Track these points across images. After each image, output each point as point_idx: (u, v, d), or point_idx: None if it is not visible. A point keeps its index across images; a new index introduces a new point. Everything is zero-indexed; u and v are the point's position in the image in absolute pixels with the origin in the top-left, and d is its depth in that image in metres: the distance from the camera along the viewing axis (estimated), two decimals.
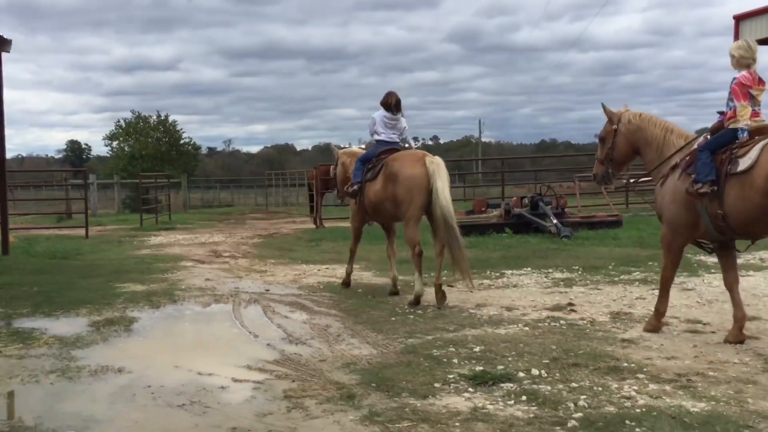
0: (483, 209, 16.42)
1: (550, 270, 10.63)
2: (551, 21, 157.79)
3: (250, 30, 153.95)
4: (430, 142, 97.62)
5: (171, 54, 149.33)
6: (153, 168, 35.63)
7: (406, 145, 9.41)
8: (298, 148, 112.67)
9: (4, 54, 13.29)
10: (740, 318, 6.22)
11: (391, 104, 9.25)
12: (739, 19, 21.23)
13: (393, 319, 7.55)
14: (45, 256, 13.86)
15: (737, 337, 6.17)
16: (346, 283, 9.72)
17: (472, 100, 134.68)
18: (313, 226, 21.17)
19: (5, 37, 12.95)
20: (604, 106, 7.18)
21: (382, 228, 10.08)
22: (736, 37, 20.79)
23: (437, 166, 8.44)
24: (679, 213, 6.32)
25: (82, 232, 19.85)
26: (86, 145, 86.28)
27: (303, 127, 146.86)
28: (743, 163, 5.82)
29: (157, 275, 11.22)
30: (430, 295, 8.57)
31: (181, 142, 38.18)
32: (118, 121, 37.70)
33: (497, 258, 11.98)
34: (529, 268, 10.85)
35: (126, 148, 36.71)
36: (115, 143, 37.50)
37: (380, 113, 9.33)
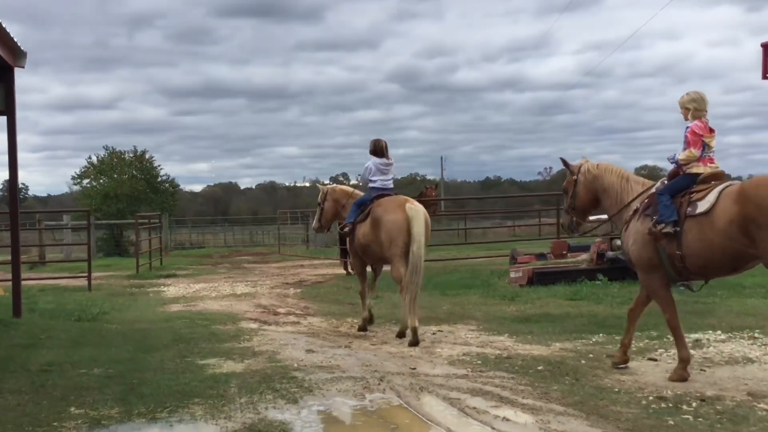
0: (563, 252, 14.47)
1: (743, 332, 8.59)
2: (488, 62, 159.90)
3: (191, 69, 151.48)
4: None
5: (111, 93, 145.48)
6: (128, 208, 32.80)
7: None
8: (242, 187, 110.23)
9: (17, 69, 10.87)
10: (625, 344, 6.99)
11: (382, 149, 9.67)
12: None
13: (651, 421, 5.44)
14: (64, 317, 11.32)
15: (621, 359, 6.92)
16: (362, 328, 9.78)
17: (413, 139, 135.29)
18: (344, 271, 18.91)
19: (21, 48, 10.56)
20: (563, 160, 7.55)
21: (370, 268, 10.31)
22: (765, 65, 19.75)
23: (416, 212, 8.97)
24: (642, 253, 6.56)
25: (76, 282, 17.28)
26: (23, 184, 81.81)
27: (245, 165, 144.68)
28: (701, 206, 6.07)
29: (233, 344, 8.89)
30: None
31: (159, 179, 35.33)
32: (89, 158, 34.68)
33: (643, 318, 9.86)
34: (718, 331, 8.69)
35: (98, 187, 33.66)
36: (85, 182, 34.40)
37: (374, 161, 9.65)
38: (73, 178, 34.42)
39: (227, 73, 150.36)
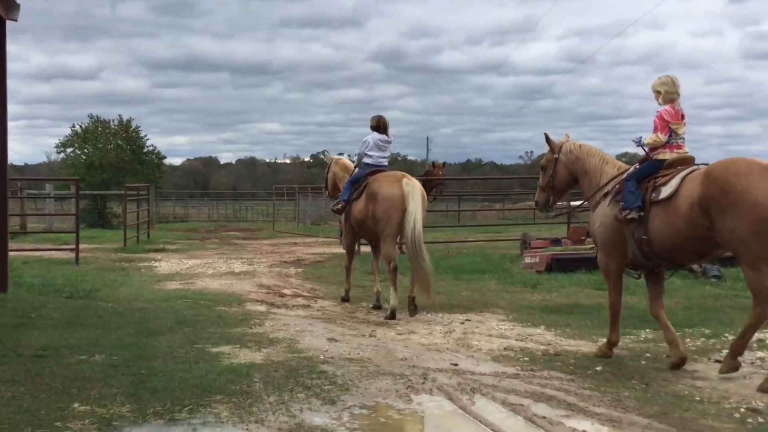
0: (582, 238, 13.73)
1: None
2: (472, 45, 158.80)
3: (173, 42, 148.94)
4: (355, 158, 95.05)
5: (92, 63, 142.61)
6: (114, 179, 31.62)
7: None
8: (222, 162, 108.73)
9: (10, 23, 9.88)
10: (672, 340, 6.41)
11: (383, 126, 9.58)
12: None
13: None
14: (54, 293, 10.42)
15: (680, 356, 6.28)
16: (345, 299, 10.04)
17: (395, 119, 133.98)
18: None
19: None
20: (546, 136, 7.35)
21: (369, 245, 10.26)
22: None
23: (413, 188, 8.86)
24: (608, 236, 6.57)
25: (62, 254, 16.34)
26: None
27: (225, 141, 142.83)
28: (665, 191, 6.07)
29: (244, 329, 8.09)
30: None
31: (145, 150, 34.06)
32: (74, 126, 33.28)
33: (684, 313, 9.13)
34: None
35: (83, 157, 32.35)
36: (69, 150, 33.02)
37: (374, 136, 9.54)
38: (57, 146, 33.13)
39: (210, 47, 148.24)
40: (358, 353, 6.94)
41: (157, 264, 15.63)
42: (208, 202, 53.27)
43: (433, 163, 18.61)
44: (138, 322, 8.35)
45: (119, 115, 34.91)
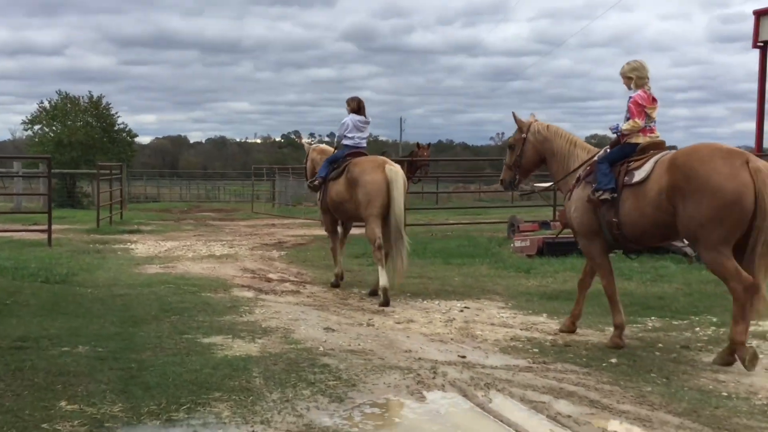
0: None
1: None
2: (444, 25, 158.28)
3: (142, 18, 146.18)
4: (326, 139, 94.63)
5: (57, 39, 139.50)
6: (83, 157, 30.75)
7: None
8: (191, 141, 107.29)
9: None
10: (576, 314, 7.03)
11: (360, 107, 9.62)
12: (760, 14, 19.39)
13: None
14: (28, 278, 9.90)
15: (569, 327, 7.05)
16: (336, 285, 9.85)
17: (366, 99, 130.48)
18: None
19: None
20: (514, 115, 7.37)
21: (340, 225, 10.22)
22: (756, 32, 19.13)
23: (396, 174, 8.89)
24: (583, 220, 6.58)
25: (32, 236, 15.74)
26: None
27: (195, 119, 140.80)
28: (638, 175, 6.08)
29: (234, 318, 7.71)
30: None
31: (116, 128, 33.13)
32: (41, 102, 32.19)
33: (685, 299, 8.88)
34: None
35: (50, 134, 31.34)
36: (37, 127, 31.97)
37: (352, 117, 9.57)
38: (24, 122, 32.09)
39: (179, 24, 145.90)
40: (359, 344, 6.59)
41: (133, 246, 15.10)
42: (179, 182, 52.37)
43: (418, 144, 18.23)
44: (121, 310, 7.92)
45: (89, 92, 33.99)
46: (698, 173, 5.62)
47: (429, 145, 17.40)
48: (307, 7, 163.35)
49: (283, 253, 14.12)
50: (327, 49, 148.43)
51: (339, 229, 10.23)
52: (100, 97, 32.76)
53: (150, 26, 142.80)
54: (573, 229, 6.92)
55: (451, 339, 6.83)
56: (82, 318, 7.42)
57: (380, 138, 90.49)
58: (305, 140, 11.99)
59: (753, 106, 19.64)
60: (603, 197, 6.27)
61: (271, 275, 11.06)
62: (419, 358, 6.07)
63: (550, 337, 6.88)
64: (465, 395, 5.12)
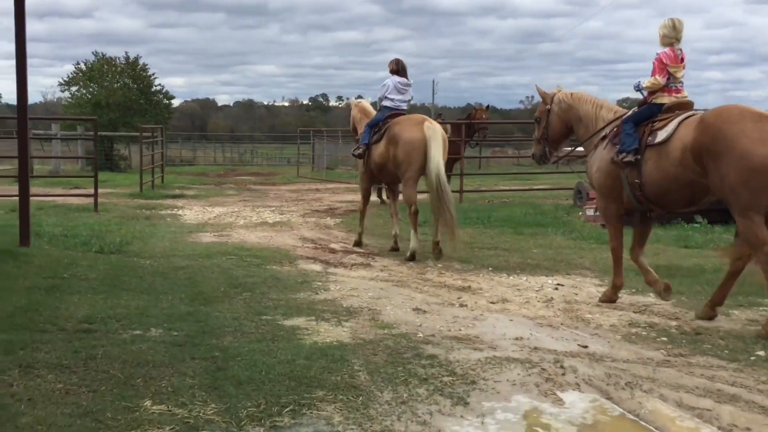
0: None
1: None
2: None
3: None
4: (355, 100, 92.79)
5: (86, 2, 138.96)
6: (122, 119, 30.17)
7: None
8: (219, 104, 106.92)
9: None
10: (653, 281, 6.56)
11: (401, 69, 9.48)
12: None
13: None
14: (81, 247, 9.29)
15: (666, 296, 6.47)
16: (358, 243, 9.91)
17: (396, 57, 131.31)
18: (377, 199, 16.90)
19: None
20: (538, 88, 7.37)
21: (387, 189, 10.45)
22: None
23: (434, 132, 8.80)
24: (605, 180, 6.51)
25: (77, 200, 15.19)
26: None
27: (223, 82, 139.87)
28: (661, 135, 5.99)
29: (309, 295, 7.02)
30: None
31: (153, 89, 32.47)
32: (77, 64, 31.52)
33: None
34: None
35: (88, 96, 30.74)
36: (74, 89, 31.36)
37: (393, 79, 9.43)
38: (61, 83, 31.45)
39: None
40: (460, 329, 5.85)
41: (180, 212, 14.49)
42: (212, 145, 51.92)
43: (475, 108, 17.31)
44: (186, 285, 7.26)
45: (126, 53, 33.24)
46: (725, 135, 5.49)
47: (488, 107, 16.47)
48: None
49: (337, 220, 13.41)
50: (353, 11, 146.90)
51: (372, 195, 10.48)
52: (137, 58, 32.06)
53: None
54: (593, 186, 6.87)
55: (561, 324, 6.06)
56: (147, 294, 6.76)
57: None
58: (353, 99, 11.57)
59: None
60: (627, 159, 6.19)
61: (333, 245, 10.35)
62: (535, 348, 5.33)
63: (673, 323, 6.08)
64: (609, 397, 4.37)
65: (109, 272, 7.67)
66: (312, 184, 24.01)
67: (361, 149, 9.63)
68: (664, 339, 5.61)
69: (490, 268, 8.48)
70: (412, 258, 8.84)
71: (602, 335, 5.71)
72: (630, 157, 6.18)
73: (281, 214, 14.20)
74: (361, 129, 10.02)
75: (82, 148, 27.75)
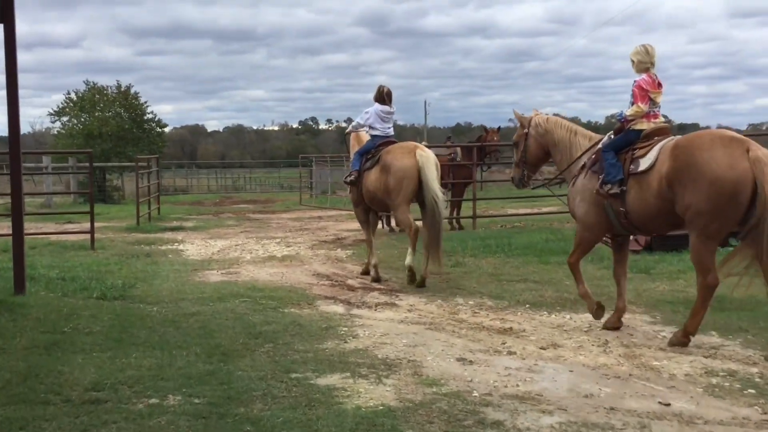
0: None
1: None
2: (458, 7, 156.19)
3: (156, 9, 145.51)
4: (344, 124, 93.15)
5: (74, 31, 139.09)
6: (115, 149, 29.46)
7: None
8: (209, 129, 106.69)
9: None
10: (621, 308, 6.67)
11: (385, 96, 9.45)
12: None
13: None
14: (81, 292, 8.59)
15: (614, 324, 6.59)
16: (374, 278, 9.47)
17: (381, 84, 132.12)
18: (386, 227, 16.23)
19: None
20: (515, 112, 7.44)
21: (376, 216, 10.23)
22: None
23: (426, 159, 8.79)
24: (589, 211, 6.50)
25: (71, 237, 14.45)
26: None
27: (211, 108, 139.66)
28: (643, 164, 5.99)
29: (337, 345, 6.34)
30: None
31: (145, 117, 31.74)
32: (68, 93, 30.82)
33: None
34: None
35: (79, 126, 29.98)
36: (65, 119, 30.58)
37: (376, 108, 9.44)
38: (51, 114, 30.67)
39: (193, 13, 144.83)
40: (517, 385, 5.17)
41: (182, 247, 13.77)
42: (206, 172, 51.30)
43: (486, 128, 16.72)
44: (201, 336, 6.55)
45: (117, 81, 32.56)
46: (697, 161, 5.52)
47: (499, 128, 15.86)
48: None
49: (349, 252, 12.73)
50: (341, 34, 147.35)
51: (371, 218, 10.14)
52: (129, 87, 31.37)
53: (164, 16, 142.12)
54: (575, 218, 6.83)
55: (630, 375, 5.38)
56: (159, 350, 6.06)
57: (398, 122, 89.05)
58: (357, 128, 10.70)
59: None
60: (612, 191, 6.17)
61: (350, 282, 9.67)
62: (612, 408, 4.64)
63: (754, 370, 5.42)
64: None
65: (114, 323, 6.96)
66: (313, 211, 23.35)
67: (353, 176, 9.54)
68: (752, 391, 4.94)
69: (526, 305, 7.82)
70: (412, 276, 8.96)
71: (681, 388, 5.04)
72: (615, 189, 6.16)
73: (288, 247, 13.52)
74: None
75: (74, 181, 27.01)
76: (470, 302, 8.09)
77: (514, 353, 6.00)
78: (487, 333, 6.72)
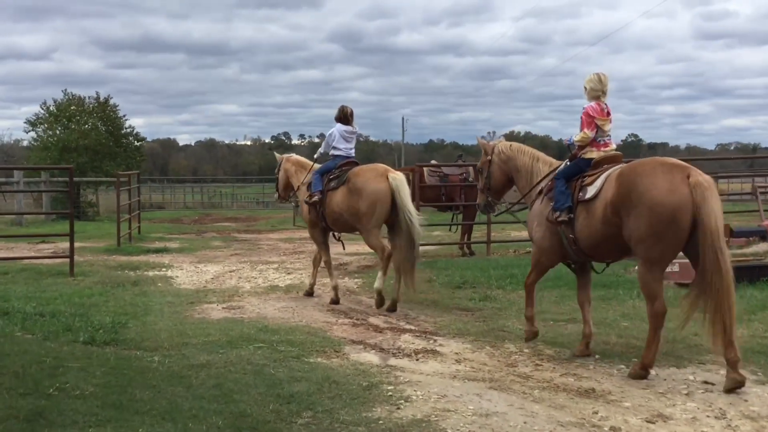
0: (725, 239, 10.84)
1: None
2: (430, 25, 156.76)
3: (128, 22, 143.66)
4: (317, 140, 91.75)
5: (44, 44, 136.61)
6: (91, 163, 27.83)
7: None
8: (181, 143, 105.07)
9: None
10: (587, 334, 6.60)
11: (348, 116, 9.37)
12: None
13: None
14: (64, 334, 7.25)
15: (583, 352, 6.52)
16: (333, 300, 9.30)
17: (353, 100, 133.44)
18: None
19: None
20: (478, 139, 7.60)
21: (333, 237, 9.97)
22: None
23: (400, 182, 8.73)
24: (544, 236, 6.57)
25: (47, 261, 13.04)
26: None
27: (183, 122, 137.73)
28: (590, 192, 6.08)
29: (391, 413, 5.11)
30: None
31: (123, 131, 30.11)
32: (44, 103, 29.05)
33: None
34: None
35: (54, 138, 28.25)
36: (40, 128, 28.71)
37: (339, 128, 9.36)
38: (27, 122, 28.84)
39: (165, 27, 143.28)
40: None
41: (171, 273, 12.42)
42: (181, 187, 49.66)
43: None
44: (218, 399, 5.27)
45: (96, 92, 30.86)
46: (638, 187, 5.59)
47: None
48: (293, 8, 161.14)
49: (358, 281, 11.50)
50: (314, 50, 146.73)
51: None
52: (107, 98, 29.75)
53: (136, 29, 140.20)
54: (532, 240, 6.86)
55: None
56: (170, 421, 4.77)
57: (371, 138, 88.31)
58: (284, 154, 10.90)
59: (739, 102, 17.24)
60: (561, 218, 6.24)
61: (373, 320, 8.45)
62: None
63: None
64: None
65: (109, 380, 5.64)
66: (302, 231, 21.99)
67: (316, 197, 9.21)
68: None
69: (596, 356, 6.62)
70: (380, 299, 8.76)
71: None
72: (564, 216, 6.21)
73: (289, 274, 12.24)
74: (296, 182, 10.05)
75: (47, 197, 25.37)
76: (525, 350, 6.89)
77: (618, 429, 4.78)
78: (567, 396, 5.51)
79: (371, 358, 6.69)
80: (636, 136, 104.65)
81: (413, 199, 13.06)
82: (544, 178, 6.76)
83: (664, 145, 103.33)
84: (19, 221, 22.91)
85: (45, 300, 9.15)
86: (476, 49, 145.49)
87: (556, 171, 6.59)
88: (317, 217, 9.39)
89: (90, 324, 7.67)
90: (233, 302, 9.54)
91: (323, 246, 9.69)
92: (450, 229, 14.70)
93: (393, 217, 8.72)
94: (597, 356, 6.64)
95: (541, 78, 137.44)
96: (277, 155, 10.84)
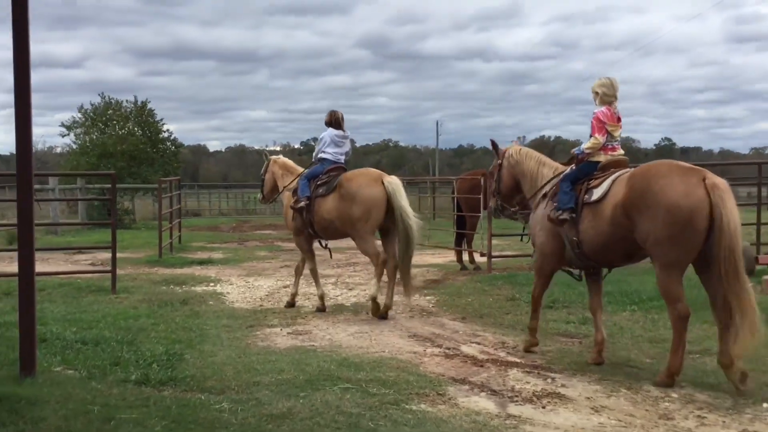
0: None
1: None
2: (458, 30, 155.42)
3: (160, 30, 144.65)
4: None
5: (78, 52, 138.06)
6: (128, 168, 26.90)
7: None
8: (211, 149, 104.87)
9: None
10: (600, 341, 6.42)
11: (338, 121, 9.18)
12: None
13: None
14: (112, 372, 6.09)
15: (596, 360, 6.34)
16: (319, 308, 9.14)
17: (382, 105, 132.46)
18: (457, 260, 13.82)
19: None
20: (492, 142, 7.43)
21: (318, 243, 9.66)
22: None
23: (396, 186, 8.56)
24: (547, 239, 6.53)
25: (87, 275, 11.97)
26: None
27: (213, 128, 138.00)
28: (596, 194, 6.03)
29: None
30: None
31: (161, 136, 29.16)
32: (81, 107, 28.12)
33: None
34: None
35: (90, 144, 27.34)
36: (78, 131, 27.71)
37: (330, 132, 9.18)
38: (63, 125, 28.00)
39: (197, 35, 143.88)
40: None
41: (220, 289, 11.29)
42: (215, 193, 48.76)
43: None
44: None
45: (134, 96, 29.97)
46: (653, 189, 5.50)
47: None
48: (322, 15, 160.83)
49: (430, 298, 10.26)
50: (342, 56, 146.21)
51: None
52: (144, 102, 28.87)
53: (168, 37, 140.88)
54: (534, 245, 6.78)
55: None
56: None
57: (400, 143, 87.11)
58: (273, 155, 10.54)
59: None
60: (562, 217, 6.18)
61: (465, 349, 7.20)
62: None
63: None
64: None
65: None
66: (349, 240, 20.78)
67: (303, 202, 8.91)
68: None
69: (764, 404, 5.28)
70: (376, 307, 8.49)
71: None
72: (565, 215, 6.15)
73: (350, 290, 11.09)
74: (282, 185, 9.79)
75: (82, 205, 24.45)
76: (673, 394, 5.56)
77: None
78: None
79: (485, 404, 5.42)
80: (669, 140, 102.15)
81: (484, 207, 11.94)
82: (548, 182, 6.70)
83: (698, 149, 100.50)
84: (54, 230, 22.00)
85: (87, 323, 8.04)
86: (504, 54, 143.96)
87: (562, 175, 6.52)
88: (303, 224, 9.09)
89: (141, 356, 6.53)
90: (298, 326, 8.35)
91: (309, 254, 9.46)
92: (521, 239, 13.39)
93: (388, 223, 8.52)
94: (751, 399, 5.31)
95: (570, 82, 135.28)
96: (265, 154, 10.66)
